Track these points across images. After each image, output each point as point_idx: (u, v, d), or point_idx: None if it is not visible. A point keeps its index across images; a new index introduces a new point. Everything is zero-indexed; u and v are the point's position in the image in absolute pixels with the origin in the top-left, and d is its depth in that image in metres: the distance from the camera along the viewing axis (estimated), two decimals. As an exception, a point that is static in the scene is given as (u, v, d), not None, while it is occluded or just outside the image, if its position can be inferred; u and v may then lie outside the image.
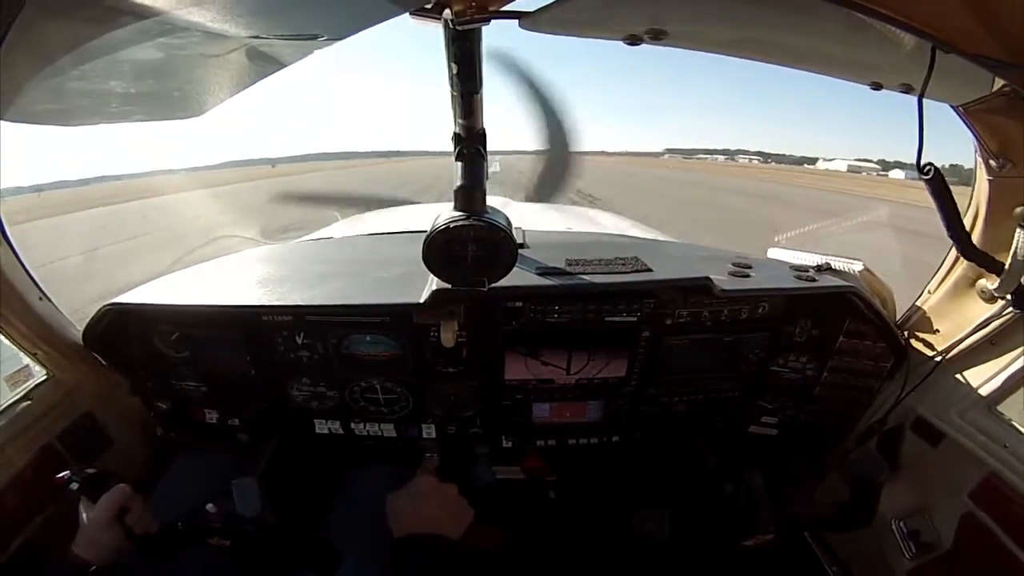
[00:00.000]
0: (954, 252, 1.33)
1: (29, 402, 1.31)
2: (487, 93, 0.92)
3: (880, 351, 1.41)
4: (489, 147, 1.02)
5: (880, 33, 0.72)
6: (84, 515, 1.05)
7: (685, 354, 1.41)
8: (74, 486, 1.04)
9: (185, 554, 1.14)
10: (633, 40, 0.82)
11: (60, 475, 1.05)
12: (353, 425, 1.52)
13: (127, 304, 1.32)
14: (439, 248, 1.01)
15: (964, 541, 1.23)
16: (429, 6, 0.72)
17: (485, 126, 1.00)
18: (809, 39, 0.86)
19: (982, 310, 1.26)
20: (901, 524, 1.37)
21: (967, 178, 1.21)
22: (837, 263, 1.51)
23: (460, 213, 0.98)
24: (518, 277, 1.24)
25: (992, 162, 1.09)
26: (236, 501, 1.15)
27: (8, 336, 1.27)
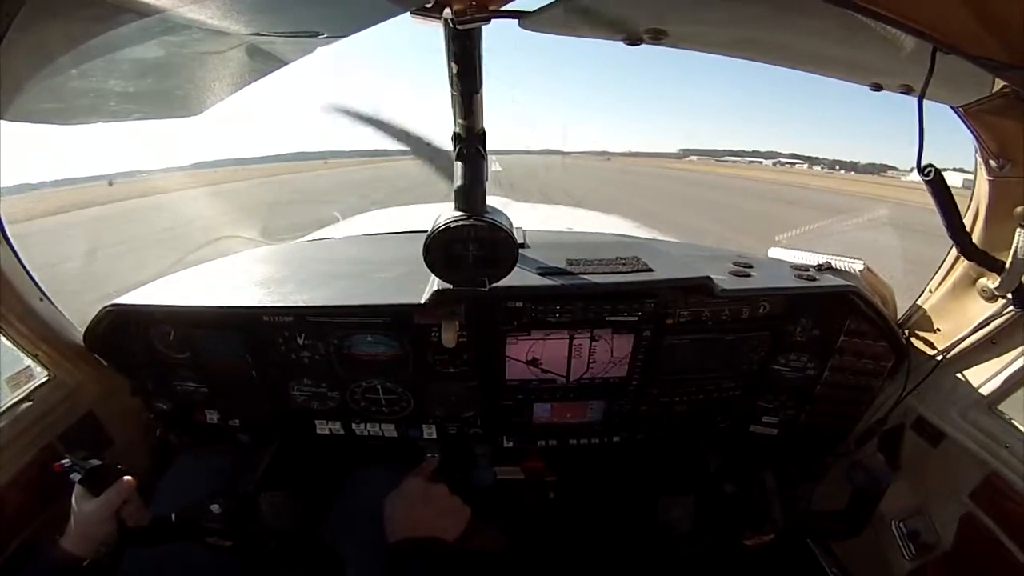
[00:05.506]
0: (955, 252, 1.33)
1: (30, 403, 1.31)
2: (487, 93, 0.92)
3: (881, 350, 1.41)
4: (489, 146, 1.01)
5: (880, 34, 0.72)
6: (77, 507, 1.03)
7: (686, 354, 1.41)
8: (75, 476, 1.04)
9: (184, 553, 1.14)
10: (633, 40, 0.82)
11: (59, 462, 1.05)
12: (354, 425, 1.52)
13: (128, 305, 1.32)
14: (440, 248, 1.00)
15: (964, 541, 1.23)
16: (429, 5, 0.72)
17: (485, 126, 1.00)
18: (809, 40, 0.86)
19: (983, 309, 1.26)
20: (901, 524, 1.37)
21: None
22: (838, 262, 1.51)
23: (461, 213, 0.98)
24: (519, 277, 1.24)
25: (992, 162, 1.10)
26: (266, 515, 1.15)
27: (9, 337, 1.27)
